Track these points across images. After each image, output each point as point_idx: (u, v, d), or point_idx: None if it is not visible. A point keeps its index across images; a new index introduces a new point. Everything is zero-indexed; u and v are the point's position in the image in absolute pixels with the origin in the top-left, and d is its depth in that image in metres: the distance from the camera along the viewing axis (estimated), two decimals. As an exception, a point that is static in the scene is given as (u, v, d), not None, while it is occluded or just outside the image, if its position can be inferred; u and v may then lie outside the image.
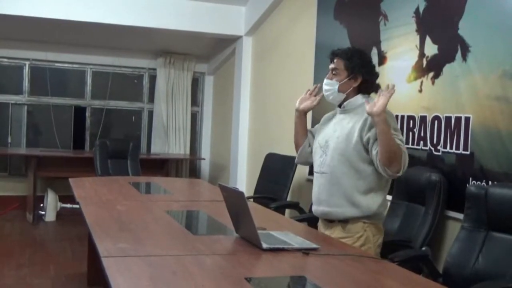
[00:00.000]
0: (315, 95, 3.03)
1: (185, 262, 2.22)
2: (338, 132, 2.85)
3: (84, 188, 4.17)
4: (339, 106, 2.93)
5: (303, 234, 2.73)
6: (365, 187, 2.78)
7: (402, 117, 3.89)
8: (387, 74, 4.09)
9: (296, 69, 5.60)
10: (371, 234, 2.82)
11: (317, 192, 2.93)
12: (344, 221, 2.82)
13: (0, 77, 7.54)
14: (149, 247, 2.48)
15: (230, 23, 6.67)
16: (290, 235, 2.64)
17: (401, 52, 3.99)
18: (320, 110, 3.29)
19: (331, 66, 2.90)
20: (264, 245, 2.36)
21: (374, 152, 2.69)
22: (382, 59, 4.19)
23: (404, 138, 2.99)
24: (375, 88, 3.00)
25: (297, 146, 3.15)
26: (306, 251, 2.35)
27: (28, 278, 4.71)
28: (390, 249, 3.11)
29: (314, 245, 2.44)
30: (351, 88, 2.85)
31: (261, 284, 1.99)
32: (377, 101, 2.58)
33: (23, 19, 6.10)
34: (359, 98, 2.86)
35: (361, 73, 2.84)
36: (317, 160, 2.94)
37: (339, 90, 2.85)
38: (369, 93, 2.94)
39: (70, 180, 4.44)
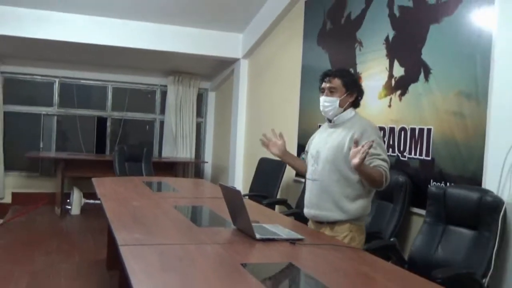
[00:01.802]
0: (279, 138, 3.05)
1: (190, 250, 2.21)
2: (329, 144, 2.76)
3: (105, 187, 4.14)
4: (330, 121, 2.84)
5: (290, 227, 2.73)
6: (353, 194, 2.69)
7: (374, 128, 3.90)
8: (362, 92, 4.10)
9: (286, 86, 5.61)
10: (356, 234, 2.72)
11: (308, 197, 2.85)
12: (332, 223, 2.72)
13: (34, 91, 7.51)
14: (159, 237, 2.47)
15: (230, 47, 6.68)
16: (279, 227, 2.63)
17: (373, 73, 4.01)
18: (310, 121, 3.25)
19: (327, 85, 2.78)
20: (257, 236, 2.36)
21: None
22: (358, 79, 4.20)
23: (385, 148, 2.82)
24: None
25: (302, 172, 3.06)
26: (293, 241, 2.35)
27: (55, 264, 4.67)
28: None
29: (300, 236, 2.44)
30: (348, 103, 2.78)
31: (255, 269, 1.98)
32: (354, 158, 2.45)
33: (55, 42, 6.08)
34: (348, 112, 2.78)
35: (356, 90, 2.80)
36: (309, 169, 2.87)
37: (340, 106, 2.76)
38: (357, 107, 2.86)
39: (93, 179, 4.42)
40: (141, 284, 1.74)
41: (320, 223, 2.80)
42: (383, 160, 2.63)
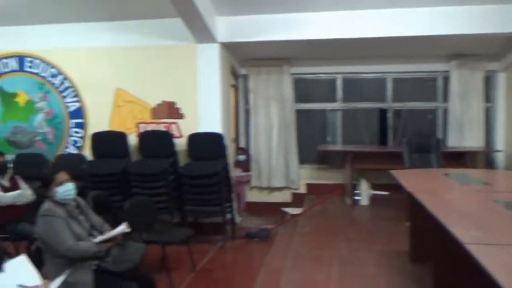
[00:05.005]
0: None
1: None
2: None
3: (407, 179, 4.14)
4: None
5: None
6: None
7: None
8: None
9: None
10: None
11: None
12: None
13: (318, 89, 8.06)
14: (499, 236, 2.30)
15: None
16: None
17: None
18: None
19: None
20: None
21: None
22: None
23: None
24: None
25: None
26: None
27: (357, 251, 4.89)
28: None
29: None
30: None
31: None
32: None
33: (335, 41, 6.35)
34: None
35: None
36: None
37: None
38: None
39: (393, 172, 4.47)
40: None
41: None
42: None
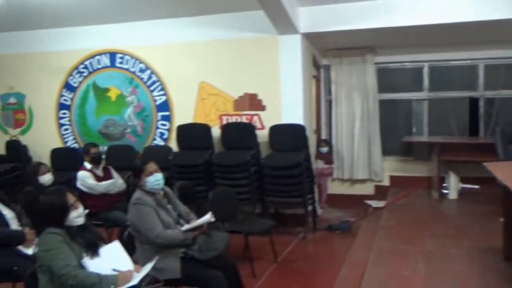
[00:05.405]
0: None
1: None
2: None
3: (503, 171, 3.89)
4: None
5: None
6: None
7: None
8: None
9: None
10: None
11: None
12: None
13: (403, 78, 7.77)
14: None
15: None
16: None
17: None
18: None
19: None
20: None
21: None
22: None
23: None
24: None
25: None
26: None
27: (445, 247, 4.68)
28: None
29: None
30: None
31: None
32: None
33: (421, 27, 6.11)
34: None
35: None
36: None
37: None
38: None
39: (486, 164, 4.20)
40: None
41: None
42: None
